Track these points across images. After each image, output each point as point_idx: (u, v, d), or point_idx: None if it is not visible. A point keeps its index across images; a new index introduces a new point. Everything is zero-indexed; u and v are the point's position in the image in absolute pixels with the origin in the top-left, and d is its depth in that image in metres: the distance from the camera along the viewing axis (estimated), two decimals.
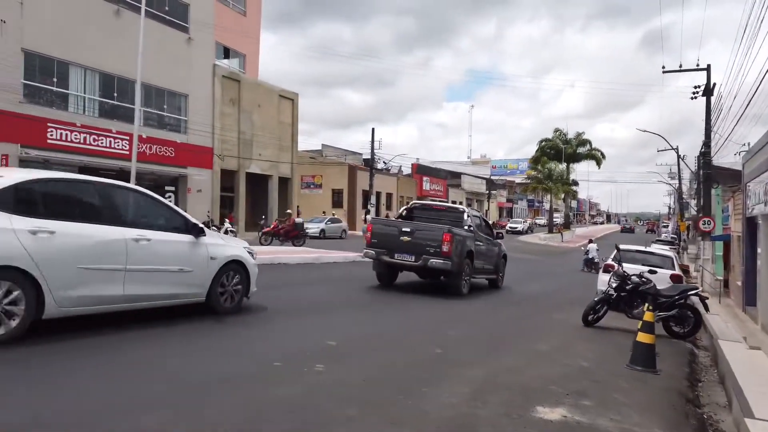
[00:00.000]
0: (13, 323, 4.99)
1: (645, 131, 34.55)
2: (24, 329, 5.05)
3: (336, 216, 36.60)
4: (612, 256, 12.12)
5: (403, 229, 11.04)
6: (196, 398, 4.16)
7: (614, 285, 9.10)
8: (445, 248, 10.64)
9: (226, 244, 7.36)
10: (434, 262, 10.71)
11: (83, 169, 22.99)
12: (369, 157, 42.25)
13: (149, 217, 6.38)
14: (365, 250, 11.52)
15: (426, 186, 55.75)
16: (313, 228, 32.34)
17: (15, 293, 4.97)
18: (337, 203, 43.09)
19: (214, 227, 25.02)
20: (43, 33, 21.11)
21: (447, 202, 61.78)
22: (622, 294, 9.02)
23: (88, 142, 22.81)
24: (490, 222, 18.36)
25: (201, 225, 6.97)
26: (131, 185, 6.94)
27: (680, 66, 23.56)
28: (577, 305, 11.63)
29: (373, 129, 41.30)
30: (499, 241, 14.06)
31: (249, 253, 7.61)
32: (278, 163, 34.27)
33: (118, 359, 4.96)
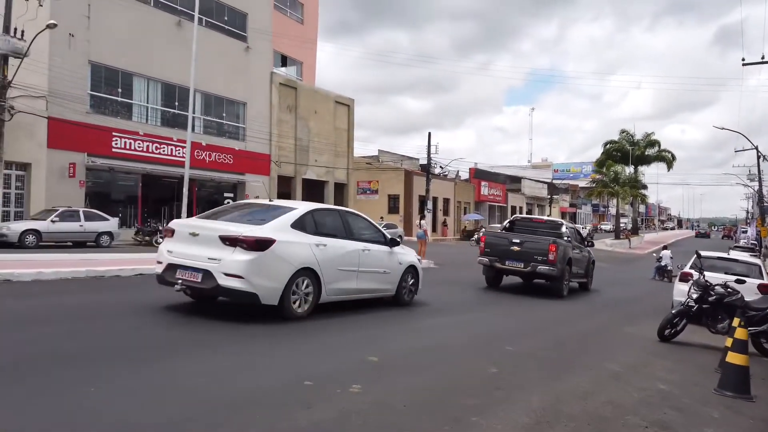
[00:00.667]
0: (306, 305, 7.22)
1: (723, 128, 32.20)
2: (311, 310, 7.27)
3: (391, 222, 36.16)
4: (690, 264, 11.03)
5: (514, 240, 12.68)
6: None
7: (695, 296, 8.14)
8: (551, 257, 12.19)
9: (408, 253, 9.51)
10: (542, 268, 12.24)
11: (146, 177, 23.71)
12: (425, 162, 41.71)
13: (366, 234, 8.62)
14: (479, 258, 13.24)
15: (484, 191, 54.52)
16: None
17: (309, 286, 7.20)
18: (393, 209, 42.68)
19: None
20: (109, 45, 21.86)
21: (506, 206, 60.33)
22: (704, 306, 8.05)
23: (150, 151, 23.45)
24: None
25: (395, 238, 9.26)
26: (359, 213, 9.24)
27: (762, 57, 21.72)
28: (650, 317, 10.65)
29: (429, 133, 40.89)
30: (588, 248, 15.29)
31: (418, 260, 9.76)
32: (334, 169, 34.29)
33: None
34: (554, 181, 76.53)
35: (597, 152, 59.26)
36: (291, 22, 34.98)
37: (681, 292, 10.43)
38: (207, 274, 6.53)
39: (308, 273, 7.09)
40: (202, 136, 25.88)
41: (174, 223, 7.48)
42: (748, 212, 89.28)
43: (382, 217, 38.27)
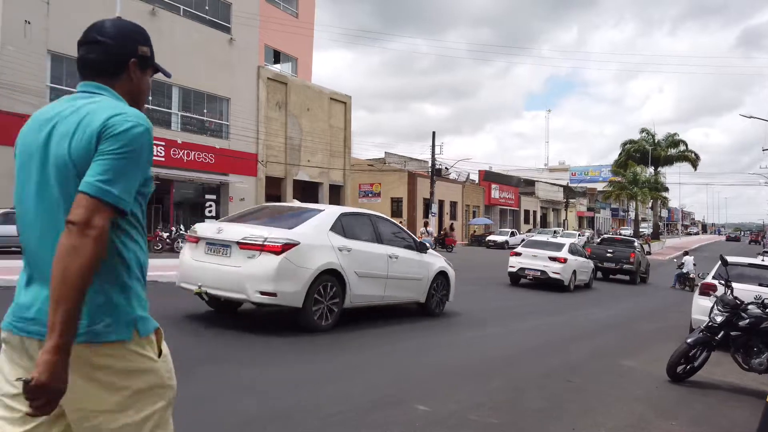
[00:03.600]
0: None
1: (751, 117, 29.40)
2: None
3: None
4: (713, 272, 8.71)
5: (608, 250, 20.70)
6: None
7: (720, 318, 5.84)
8: (632, 259, 19.83)
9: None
10: (626, 266, 19.85)
11: None
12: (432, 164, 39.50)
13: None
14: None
15: (495, 194, 52.07)
16: None
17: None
18: (396, 212, 40.51)
19: None
20: (72, 34, 19.89)
21: (518, 210, 57.68)
22: (734, 333, 5.77)
23: None
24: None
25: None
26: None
27: None
28: (662, 340, 8.39)
29: (433, 132, 38.55)
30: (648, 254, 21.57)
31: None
32: (329, 170, 32.29)
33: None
34: (571, 185, 73.69)
35: (617, 155, 56.31)
36: (285, 16, 33.14)
37: (702, 309, 8.13)
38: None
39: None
40: (179, 134, 24.07)
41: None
42: None
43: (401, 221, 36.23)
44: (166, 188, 24.16)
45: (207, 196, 25.84)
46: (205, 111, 25.70)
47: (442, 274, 8.82)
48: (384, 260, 7.57)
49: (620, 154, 54.61)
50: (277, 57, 33.23)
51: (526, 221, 59.05)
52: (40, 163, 1.52)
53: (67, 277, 1.34)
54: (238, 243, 6.33)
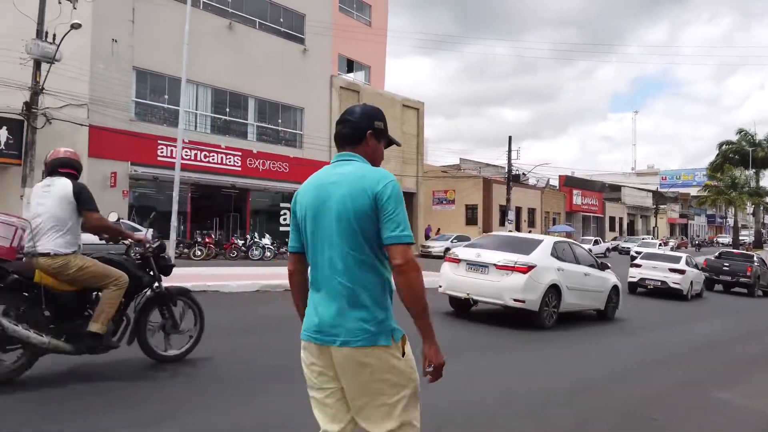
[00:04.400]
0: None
1: None
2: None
3: (464, 234, 33.17)
4: None
5: (724, 263, 20.24)
6: None
7: None
8: (748, 273, 19.32)
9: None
10: (743, 279, 19.36)
11: (195, 187, 22.77)
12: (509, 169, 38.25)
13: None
14: (702, 269, 19.01)
15: (576, 200, 49.84)
16: (436, 247, 29.42)
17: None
18: (471, 220, 39.66)
19: None
20: (154, 50, 21.16)
21: (602, 216, 54.84)
22: None
23: (199, 159, 22.47)
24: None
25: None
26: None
27: None
28: (764, 367, 7.33)
29: (510, 137, 37.40)
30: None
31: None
32: (402, 177, 32.01)
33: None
34: (661, 190, 69.36)
35: (713, 158, 52.23)
36: (358, 25, 33.42)
37: None
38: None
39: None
40: (254, 143, 24.67)
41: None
42: None
43: (461, 235, 35.44)
44: (243, 197, 24.84)
45: (282, 205, 26.30)
46: (279, 121, 26.23)
47: (615, 287, 10.92)
48: (581, 276, 9.87)
49: (716, 156, 50.67)
50: (350, 66, 33.51)
51: (611, 228, 56.09)
52: (326, 216, 2.12)
53: (415, 302, 2.05)
54: (495, 264, 8.80)
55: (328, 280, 2.12)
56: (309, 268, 2.24)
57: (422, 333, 2.09)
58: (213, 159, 22.93)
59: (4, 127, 18.05)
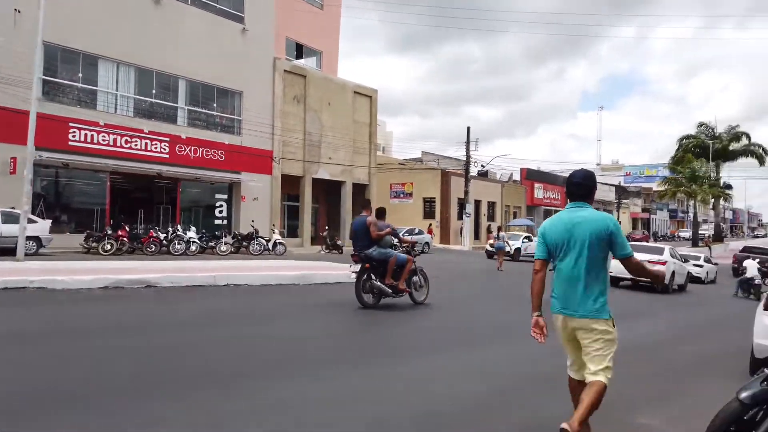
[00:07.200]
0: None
1: None
2: None
3: (419, 228, 31.76)
4: None
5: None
6: None
7: None
8: None
9: (686, 265, 16.43)
10: None
11: (114, 174, 20.80)
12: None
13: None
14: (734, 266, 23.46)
15: (538, 194, 48.97)
16: None
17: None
18: (428, 213, 38.30)
19: (260, 238, 21.58)
20: (68, 24, 19.11)
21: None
22: None
23: (118, 144, 20.48)
24: None
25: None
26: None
27: None
28: (706, 374, 6.02)
29: (468, 128, 36.11)
30: None
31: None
32: (353, 168, 30.44)
33: None
34: (624, 185, 69.34)
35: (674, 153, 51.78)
36: (307, 7, 31.60)
37: None
38: None
39: None
40: (184, 128, 22.74)
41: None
42: None
43: (430, 224, 34.02)
44: (172, 187, 22.91)
45: (218, 196, 24.47)
46: (215, 105, 24.33)
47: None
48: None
49: (677, 149, 50.40)
50: (300, 51, 31.68)
51: None
52: (575, 244, 3.50)
53: (643, 270, 3.88)
54: None
55: (574, 288, 3.58)
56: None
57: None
58: (136, 145, 20.96)
59: None
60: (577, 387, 3.55)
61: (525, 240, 28.30)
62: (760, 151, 47.35)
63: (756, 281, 17.13)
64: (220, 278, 10.38)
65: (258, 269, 12.39)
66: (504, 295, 13.02)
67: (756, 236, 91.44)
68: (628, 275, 15.66)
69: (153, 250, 18.09)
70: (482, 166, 37.62)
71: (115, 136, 20.34)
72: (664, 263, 15.74)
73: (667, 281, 15.71)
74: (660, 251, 16.71)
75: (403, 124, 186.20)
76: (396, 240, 9.53)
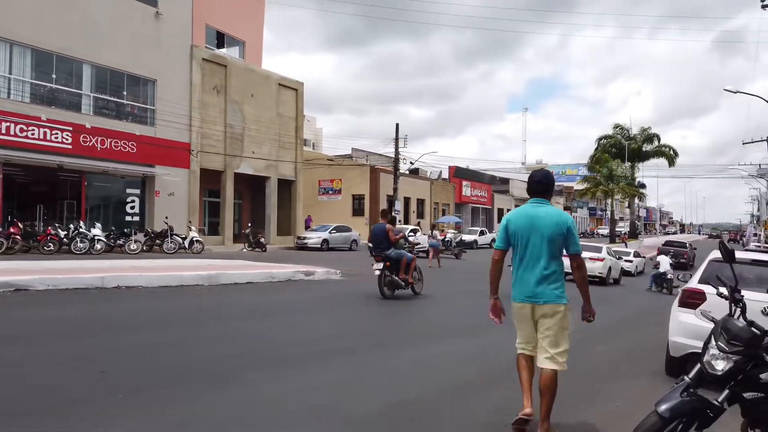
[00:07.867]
0: None
1: (737, 92, 26.73)
2: None
3: (345, 225, 31.14)
4: (701, 273, 6.08)
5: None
6: None
7: (723, 365, 3.12)
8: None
9: (619, 261, 17.78)
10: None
11: (6, 165, 18.87)
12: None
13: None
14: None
15: (466, 192, 49.59)
16: (313, 238, 27.14)
17: None
18: (357, 210, 37.78)
19: (175, 236, 20.25)
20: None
21: (491, 208, 55.28)
22: (749, 395, 3.10)
23: (12, 133, 18.57)
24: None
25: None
26: None
27: None
28: (618, 377, 5.75)
29: (397, 125, 35.91)
30: None
31: None
32: (278, 163, 29.38)
33: None
34: None
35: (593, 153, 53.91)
36: None
37: (685, 328, 5.56)
38: None
39: None
40: (89, 117, 20.99)
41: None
42: (753, 216, 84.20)
43: (367, 221, 33.32)
44: (77, 181, 21.11)
45: (130, 191, 22.79)
46: (125, 93, 22.64)
47: None
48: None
49: (596, 149, 52.46)
50: (221, 39, 30.20)
51: (500, 220, 56.67)
52: (536, 236, 3.81)
53: (583, 282, 3.88)
54: None
55: (529, 272, 3.86)
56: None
57: (586, 299, 3.94)
58: (33, 134, 19.09)
59: None
60: (527, 363, 3.89)
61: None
62: (670, 152, 50.07)
63: (668, 276, 17.70)
64: (110, 279, 9.30)
65: (161, 269, 11.34)
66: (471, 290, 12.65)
67: (667, 233, 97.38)
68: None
69: (51, 249, 16.47)
70: (411, 163, 37.50)
71: (7, 124, 18.41)
72: (602, 260, 18.04)
73: (605, 275, 18.01)
74: (599, 250, 18.82)
75: (336, 122, 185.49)
76: (406, 243, 12.08)
